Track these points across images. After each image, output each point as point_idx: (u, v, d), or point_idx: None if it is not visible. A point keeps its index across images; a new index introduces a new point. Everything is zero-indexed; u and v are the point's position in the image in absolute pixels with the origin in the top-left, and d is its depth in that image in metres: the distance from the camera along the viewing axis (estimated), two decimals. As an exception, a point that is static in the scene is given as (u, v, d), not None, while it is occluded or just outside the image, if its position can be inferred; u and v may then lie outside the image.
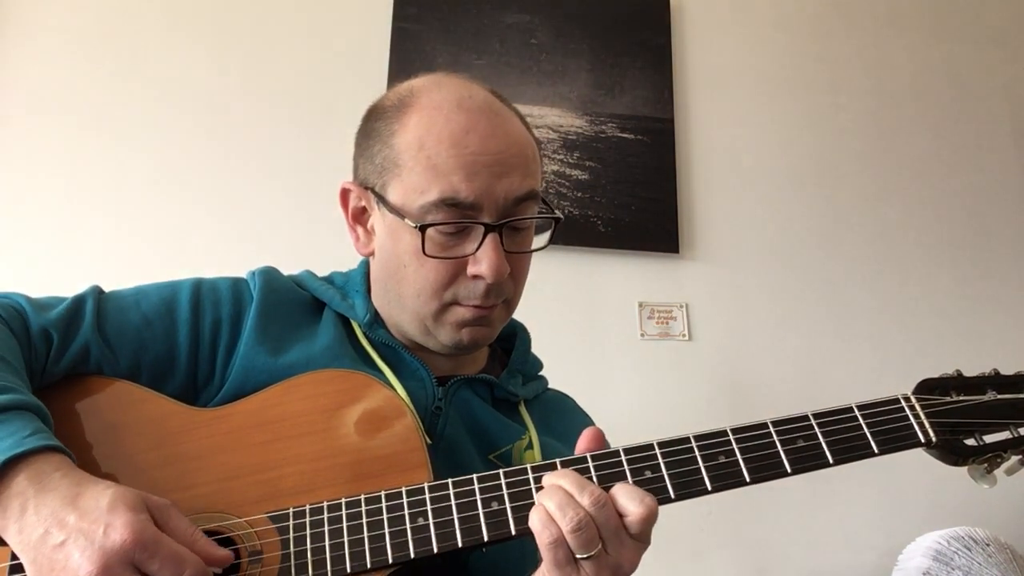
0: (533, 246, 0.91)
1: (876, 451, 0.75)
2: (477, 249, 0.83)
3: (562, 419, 1.02)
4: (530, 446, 0.91)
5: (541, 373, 1.07)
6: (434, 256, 0.83)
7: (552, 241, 0.93)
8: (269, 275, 0.94)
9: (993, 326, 2.22)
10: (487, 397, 0.94)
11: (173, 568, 0.63)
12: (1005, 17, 2.58)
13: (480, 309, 0.86)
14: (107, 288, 0.91)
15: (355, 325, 0.94)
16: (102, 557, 0.61)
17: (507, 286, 0.87)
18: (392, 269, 0.88)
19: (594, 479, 0.73)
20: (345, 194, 0.93)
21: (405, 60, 2.12)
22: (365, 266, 0.99)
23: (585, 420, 1.05)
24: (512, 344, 1.03)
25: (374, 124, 0.89)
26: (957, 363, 0.88)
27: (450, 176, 0.81)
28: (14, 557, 0.66)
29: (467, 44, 2.18)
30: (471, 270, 0.84)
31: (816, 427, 0.76)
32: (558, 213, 0.90)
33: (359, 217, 0.93)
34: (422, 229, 0.81)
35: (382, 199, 0.86)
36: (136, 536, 0.62)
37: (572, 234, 2.06)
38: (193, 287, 0.90)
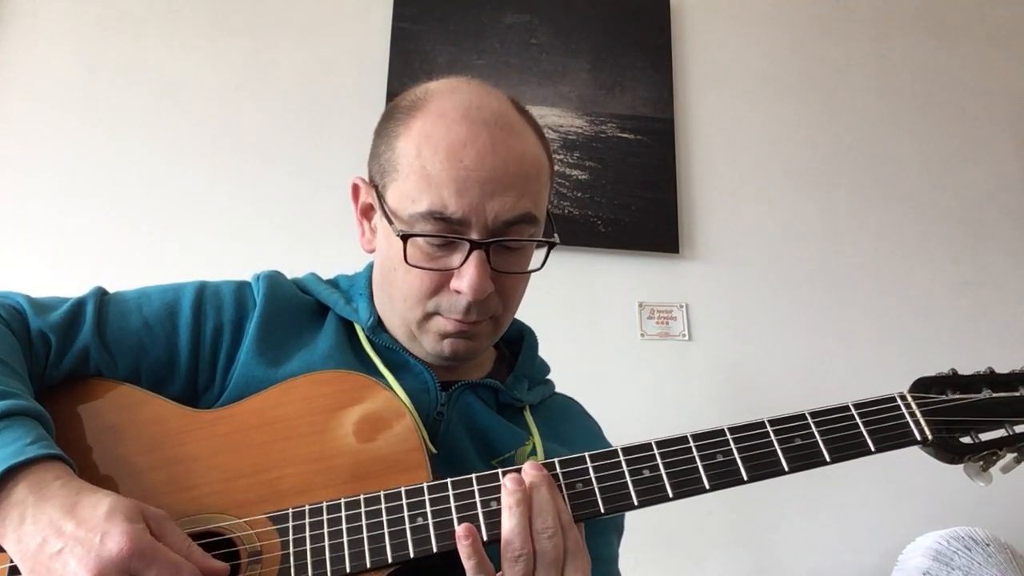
0: (529, 266, 0.88)
1: (872, 449, 0.75)
2: (461, 264, 0.81)
3: (569, 424, 1.00)
4: (534, 452, 0.89)
5: (548, 377, 1.05)
6: (416, 266, 0.82)
7: (547, 261, 0.88)
8: (273, 280, 0.93)
9: (993, 326, 2.22)
10: (491, 402, 0.93)
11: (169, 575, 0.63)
12: (1005, 17, 2.58)
13: (461, 323, 0.84)
14: (110, 288, 0.90)
15: (358, 329, 0.93)
16: (98, 565, 0.61)
17: (493, 303, 0.85)
18: (386, 270, 0.88)
19: (592, 480, 0.74)
20: (356, 189, 0.92)
21: (405, 60, 2.12)
22: (371, 268, 0.98)
23: (592, 426, 1.04)
24: (519, 347, 1.02)
25: (386, 123, 0.88)
26: (956, 363, 0.88)
27: (441, 189, 0.79)
28: (13, 566, 0.66)
29: (467, 44, 2.19)
30: (453, 284, 0.82)
31: (813, 425, 0.76)
32: (555, 238, 0.87)
33: (367, 213, 0.92)
34: (403, 239, 0.80)
35: (382, 200, 0.85)
36: (133, 544, 0.62)
37: (572, 234, 2.06)
38: (196, 291, 0.89)
